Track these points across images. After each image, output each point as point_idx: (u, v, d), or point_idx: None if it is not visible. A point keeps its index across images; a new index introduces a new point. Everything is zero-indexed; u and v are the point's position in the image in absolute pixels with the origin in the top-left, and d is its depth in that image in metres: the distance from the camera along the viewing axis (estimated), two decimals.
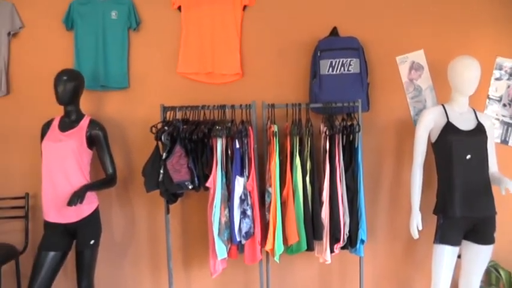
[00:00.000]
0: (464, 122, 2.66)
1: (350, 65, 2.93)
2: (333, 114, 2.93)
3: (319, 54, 2.94)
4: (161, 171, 2.69)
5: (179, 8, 3.12)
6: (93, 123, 2.83)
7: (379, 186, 3.13)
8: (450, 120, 2.66)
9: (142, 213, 3.19)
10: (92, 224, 2.76)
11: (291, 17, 3.11)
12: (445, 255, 2.58)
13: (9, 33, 3.27)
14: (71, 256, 2.76)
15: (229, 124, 2.73)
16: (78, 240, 2.72)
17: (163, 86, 3.13)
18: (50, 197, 2.72)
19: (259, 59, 3.11)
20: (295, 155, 2.74)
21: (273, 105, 2.84)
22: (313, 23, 3.09)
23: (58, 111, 2.87)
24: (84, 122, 2.82)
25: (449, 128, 2.64)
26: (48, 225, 2.75)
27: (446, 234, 2.60)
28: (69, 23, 3.17)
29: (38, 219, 3.13)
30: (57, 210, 2.71)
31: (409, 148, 2.84)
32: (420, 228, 2.68)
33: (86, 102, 3.04)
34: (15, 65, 3.28)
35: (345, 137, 2.84)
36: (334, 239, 2.73)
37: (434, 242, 2.65)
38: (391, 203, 3.14)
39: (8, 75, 3.29)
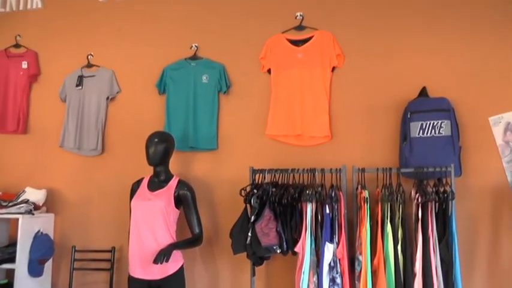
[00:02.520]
0: None
1: (441, 127, 2.84)
2: (424, 180, 2.82)
3: (409, 116, 2.88)
4: (249, 234, 2.68)
5: (269, 71, 3.20)
6: (181, 184, 2.90)
7: (475, 258, 2.91)
8: None
9: (227, 273, 3.18)
10: (176, 282, 2.78)
11: (380, 77, 3.09)
12: None
13: (107, 98, 3.51)
14: None
15: (319, 188, 2.70)
16: None
17: (252, 147, 3.18)
18: (136, 253, 2.79)
19: (347, 121, 3.09)
20: (386, 222, 2.64)
21: (363, 170, 2.78)
22: (402, 84, 3.04)
23: (148, 170, 2.98)
24: (173, 183, 2.90)
25: None
26: (132, 280, 2.80)
27: None
28: (162, 87, 3.36)
29: (123, 273, 3.22)
30: (142, 267, 2.75)
31: (507, 216, 2.67)
32: None
33: (175, 162, 3.14)
34: (110, 126, 3.52)
35: (437, 204, 2.71)
36: None
37: None
38: (489, 279, 2.89)
39: (104, 135, 3.49)
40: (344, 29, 3.15)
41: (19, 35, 3.93)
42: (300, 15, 3.24)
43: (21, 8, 3.99)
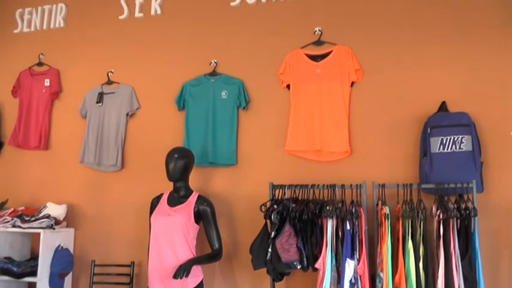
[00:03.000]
0: None
1: (462, 142, 2.81)
2: (445, 196, 2.78)
3: (429, 131, 2.85)
4: (269, 250, 2.67)
5: (288, 86, 3.21)
6: (201, 199, 2.91)
7: (499, 276, 2.84)
8: None
9: None
10: None
11: (399, 92, 3.06)
12: None
13: (127, 114, 3.56)
14: None
15: (340, 204, 2.69)
16: None
17: (271, 163, 3.18)
18: (156, 268, 2.79)
19: (367, 136, 3.07)
20: (407, 239, 2.60)
21: (383, 186, 2.76)
22: (421, 98, 3.01)
23: (167, 186, 3.00)
24: (193, 198, 2.91)
25: None
26: None
27: None
28: (181, 103, 3.40)
29: (142, 287, 3.22)
30: (162, 282, 2.76)
31: None
32: None
33: (194, 177, 3.16)
34: (130, 142, 3.57)
35: (459, 220, 2.66)
36: None
37: None
38: None
39: (124, 151, 3.54)
40: (363, 43, 3.15)
41: (42, 54, 4.04)
42: (319, 30, 3.25)
43: (44, 27, 4.11)
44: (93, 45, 3.90)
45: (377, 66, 3.11)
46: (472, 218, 2.61)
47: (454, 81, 3.00)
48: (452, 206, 2.67)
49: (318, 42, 3.24)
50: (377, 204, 2.76)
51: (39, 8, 4.16)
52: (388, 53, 3.11)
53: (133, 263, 3.30)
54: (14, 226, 3.32)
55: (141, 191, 3.41)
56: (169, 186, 3.00)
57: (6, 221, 3.38)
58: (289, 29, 3.34)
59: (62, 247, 3.36)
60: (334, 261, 2.61)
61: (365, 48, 3.14)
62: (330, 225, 2.63)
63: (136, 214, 3.38)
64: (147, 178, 3.44)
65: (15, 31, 4.19)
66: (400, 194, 2.77)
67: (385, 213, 2.62)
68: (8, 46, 4.21)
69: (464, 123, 2.84)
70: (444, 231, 2.61)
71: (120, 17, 3.82)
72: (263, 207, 2.77)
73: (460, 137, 2.81)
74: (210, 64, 3.44)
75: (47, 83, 3.92)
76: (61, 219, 3.46)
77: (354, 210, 2.65)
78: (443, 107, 2.96)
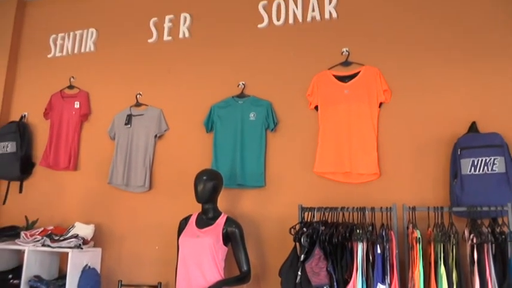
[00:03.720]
0: None
1: (494, 163, 2.74)
2: (477, 219, 2.71)
3: (459, 152, 2.79)
4: (299, 273, 2.63)
5: (316, 108, 3.21)
6: (229, 221, 2.91)
7: None
8: None
9: None
10: None
11: (428, 113, 3.02)
12: None
13: (156, 135, 3.61)
14: None
15: (370, 228, 2.64)
16: None
17: (300, 185, 3.16)
18: None
19: (396, 158, 3.03)
20: (440, 264, 2.53)
21: (413, 208, 2.71)
22: (451, 119, 2.96)
23: (195, 207, 3.01)
24: (221, 220, 2.91)
25: None
26: None
27: None
28: (209, 125, 3.42)
29: None
30: None
31: None
32: None
33: (222, 199, 3.15)
34: (158, 164, 3.61)
35: (493, 245, 2.58)
36: None
37: None
38: None
39: (152, 172, 3.58)
40: (390, 63, 3.14)
41: (73, 77, 4.15)
42: (346, 50, 3.25)
43: (76, 51, 4.24)
44: (122, 68, 3.99)
45: (405, 86, 3.09)
46: (509, 243, 2.52)
47: (484, 101, 2.95)
48: (486, 230, 2.59)
49: (346, 63, 3.24)
50: (407, 228, 2.71)
51: (71, 33, 4.30)
52: (416, 73, 3.08)
53: (160, 283, 3.30)
54: (43, 245, 3.37)
55: (168, 211, 3.43)
56: (196, 208, 3.01)
57: (36, 240, 3.43)
58: (316, 50, 3.35)
59: (89, 267, 3.39)
60: (364, 286, 2.55)
61: (393, 69, 3.12)
62: (360, 248, 2.59)
63: (163, 235, 3.38)
64: (174, 199, 3.46)
65: (49, 56, 4.34)
66: (430, 217, 2.70)
67: (416, 237, 2.56)
68: (41, 70, 4.36)
69: (496, 144, 2.77)
70: (478, 256, 2.53)
71: (149, 41, 3.91)
72: (292, 229, 2.74)
73: (492, 158, 2.75)
74: (238, 86, 3.47)
75: (76, 105, 4.01)
76: (89, 239, 3.50)
77: (384, 234, 2.60)
78: (473, 127, 2.90)
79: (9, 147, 4.04)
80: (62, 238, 3.38)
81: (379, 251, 2.57)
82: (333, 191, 3.07)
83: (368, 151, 3.03)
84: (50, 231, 3.50)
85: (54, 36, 4.37)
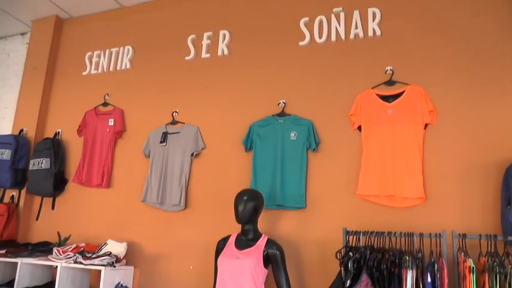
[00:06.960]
0: None
1: None
2: None
3: None
4: None
5: (359, 128, 3.12)
6: (270, 243, 2.82)
7: None
8: None
9: None
10: None
11: (476, 135, 2.88)
12: None
13: (192, 154, 3.57)
14: None
15: (419, 254, 2.52)
16: None
17: (342, 207, 3.04)
18: None
19: (442, 182, 2.89)
20: None
21: (464, 235, 2.57)
22: (502, 141, 2.81)
23: (231, 228, 2.94)
24: (262, 241, 2.82)
25: None
26: None
27: None
28: (249, 144, 3.36)
29: None
30: None
31: None
32: None
33: (261, 220, 3.06)
34: (194, 182, 3.55)
35: None
36: None
37: None
38: None
39: (188, 191, 3.52)
40: (436, 83, 3.03)
41: (108, 94, 4.16)
42: (390, 69, 3.17)
43: (111, 69, 4.26)
44: (158, 85, 3.99)
45: (452, 107, 2.97)
46: None
47: None
48: None
49: (390, 82, 3.15)
50: (457, 256, 2.58)
51: (107, 51, 4.34)
52: (464, 93, 2.96)
53: None
54: (75, 262, 3.34)
55: (203, 231, 3.36)
56: (233, 228, 2.93)
57: (69, 256, 3.40)
58: (359, 68, 3.26)
59: (121, 285, 3.33)
60: None
61: (439, 88, 3.01)
62: (409, 276, 2.46)
63: (198, 255, 3.31)
64: (210, 219, 3.39)
65: (84, 73, 4.38)
66: (481, 245, 2.56)
67: (469, 266, 2.42)
68: (76, 87, 4.40)
69: None
70: None
71: (187, 58, 3.90)
72: (338, 254, 2.63)
73: None
74: (279, 104, 3.41)
75: (111, 122, 4.02)
76: (121, 257, 3.45)
77: (434, 261, 2.47)
78: None
79: (44, 163, 4.05)
80: (94, 255, 3.34)
81: (429, 280, 2.44)
82: (375, 215, 2.95)
83: (413, 174, 2.90)
84: (82, 248, 3.47)
85: (90, 53, 4.42)
